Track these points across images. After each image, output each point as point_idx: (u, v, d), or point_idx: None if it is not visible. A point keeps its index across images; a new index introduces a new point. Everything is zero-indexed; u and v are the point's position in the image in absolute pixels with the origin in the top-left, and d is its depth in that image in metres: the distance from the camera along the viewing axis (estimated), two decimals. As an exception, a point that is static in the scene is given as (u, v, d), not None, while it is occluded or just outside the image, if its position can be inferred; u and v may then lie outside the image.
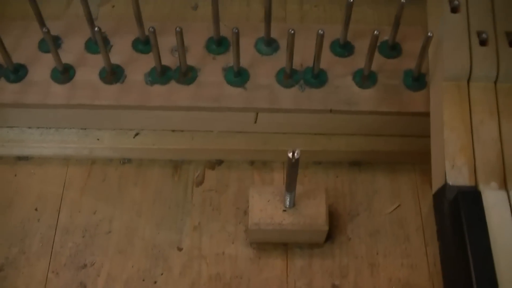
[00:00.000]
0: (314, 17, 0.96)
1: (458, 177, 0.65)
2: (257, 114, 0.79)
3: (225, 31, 0.82)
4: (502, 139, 0.67)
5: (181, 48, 0.75)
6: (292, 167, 0.66)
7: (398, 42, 0.81)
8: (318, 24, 0.90)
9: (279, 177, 0.84)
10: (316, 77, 0.78)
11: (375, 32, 0.71)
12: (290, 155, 0.64)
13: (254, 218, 0.74)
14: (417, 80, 0.78)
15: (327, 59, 0.80)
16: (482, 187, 0.65)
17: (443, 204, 0.66)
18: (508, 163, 0.66)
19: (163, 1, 0.99)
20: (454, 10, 0.74)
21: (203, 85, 0.79)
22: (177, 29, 0.72)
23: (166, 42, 0.81)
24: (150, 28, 0.72)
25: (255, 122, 0.80)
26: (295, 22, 0.95)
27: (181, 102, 0.78)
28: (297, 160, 0.65)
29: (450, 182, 0.65)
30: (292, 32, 0.71)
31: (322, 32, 0.71)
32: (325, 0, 0.98)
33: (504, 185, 0.65)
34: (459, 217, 0.63)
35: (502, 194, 0.64)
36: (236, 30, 0.72)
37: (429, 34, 0.72)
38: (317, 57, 0.75)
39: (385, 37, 0.82)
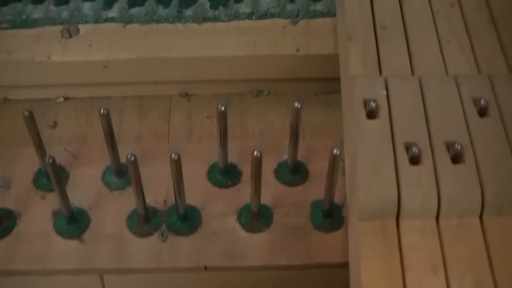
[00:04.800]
0: (207, 132, 0.73)
1: None
2: (102, 278, 0.55)
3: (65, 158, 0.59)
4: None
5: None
6: None
7: (302, 162, 0.59)
8: (201, 143, 0.67)
9: None
10: (184, 220, 0.54)
11: (256, 153, 0.48)
12: None
13: None
14: (330, 216, 0.55)
15: (202, 191, 0.57)
16: None
17: None
18: None
19: (14, 116, 0.76)
20: (371, 115, 0.52)
21: (22, 238, 0.55)
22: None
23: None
24: None
25: (103, 288, 0.55)
26: (179, 139, 0.71)
27: (-15, 266, 0.53)
28: None
29: None
30: (133, 159, 0.48)
31: (176, 157, 0.48)
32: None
33: None
34: None
35: None
36: (51, 160, 0.48)
37: (335, 151, 0.49)
38: (178, 191, 0.51)
39: (285, 156, 0.59)
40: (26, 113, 0.53)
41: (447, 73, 0.58)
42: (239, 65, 0.72)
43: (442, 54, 0.59)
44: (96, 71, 0.72)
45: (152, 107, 0.77)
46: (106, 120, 0.53)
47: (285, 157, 0.59)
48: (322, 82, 0.75)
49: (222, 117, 0.53)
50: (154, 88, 0.76)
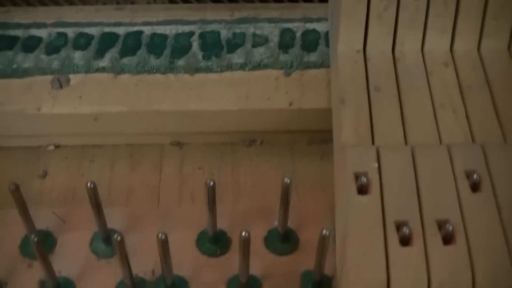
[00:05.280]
0: (198, 185, 0.72)
1: None
2: None
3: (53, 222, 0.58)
4: None
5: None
6: None
7: (293, 230, 0.58)
8: (191, 205, 0.66)
9: None
10: (172, 292, 0.54)
11: (244, 234, 0.48)
12: None
13: None
14: (320, 289, 0.54)
15: (191, 260, 0.56)
16: None
17: None
18: None
19: (5, 164, 0.75)
20: (362, 190, 0.51)
21: (7, 310, 0.54)
22: None
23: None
24: None
25: None
26: (170, 197, 0.70)
27: None
28: None
29: None
30: (119, 239, 0.47)
31: (163, 237, 0.47)
32: (213, 159, 0.74)
33: None
34: None
35: None
36: (36, 239, 0.47)
37: (324, 232, 0.48)
38: (166, 267, 0.51)
39: (275, 221, 0.58)
40: (12, 187, 0.52)
41: (440, 141, 0.57)
42: (231, 118, 0.71)
43: (436, 119, 0.58)
44: (86, 123, 0.71)
45: (144, 156, 0.76)
46: (94, 193, 0.52)
47: (276, 223, 0.58)
48: (315, 132, 0.74)
49: (211, 191, 0.52)
50: (145, 138, 0.75)
